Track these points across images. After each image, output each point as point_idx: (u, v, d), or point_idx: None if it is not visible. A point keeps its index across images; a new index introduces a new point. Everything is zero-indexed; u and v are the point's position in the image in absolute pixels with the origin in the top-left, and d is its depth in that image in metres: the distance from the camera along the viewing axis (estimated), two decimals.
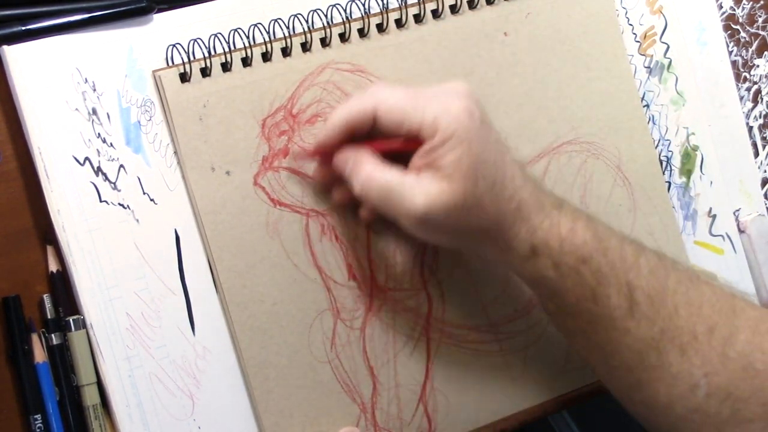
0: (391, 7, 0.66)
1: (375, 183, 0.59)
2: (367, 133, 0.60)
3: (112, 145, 0.60)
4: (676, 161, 0.76)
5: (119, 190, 0.61)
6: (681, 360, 0.59)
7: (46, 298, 0.60)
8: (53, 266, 0.60)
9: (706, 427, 0.59)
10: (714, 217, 0.77)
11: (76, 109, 0.60)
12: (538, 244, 0.59)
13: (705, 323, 0.59)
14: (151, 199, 0.61)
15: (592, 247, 0.59)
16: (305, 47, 0.64)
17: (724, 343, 0.59)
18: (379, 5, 0.66)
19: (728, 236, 0.77)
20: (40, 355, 0.60)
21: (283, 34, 0.64)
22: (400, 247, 0.66)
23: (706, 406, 0.59)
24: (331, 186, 0.64)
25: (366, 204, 0.62)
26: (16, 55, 0.58)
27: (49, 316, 0.60)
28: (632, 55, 0.74)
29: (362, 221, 0.65)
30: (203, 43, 0.62)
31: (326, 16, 0.65)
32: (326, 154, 0.62)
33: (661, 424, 0.61)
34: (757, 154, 0.79)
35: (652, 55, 0.75)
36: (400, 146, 0.59)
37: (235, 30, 0.63)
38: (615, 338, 0.60)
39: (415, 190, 0.57)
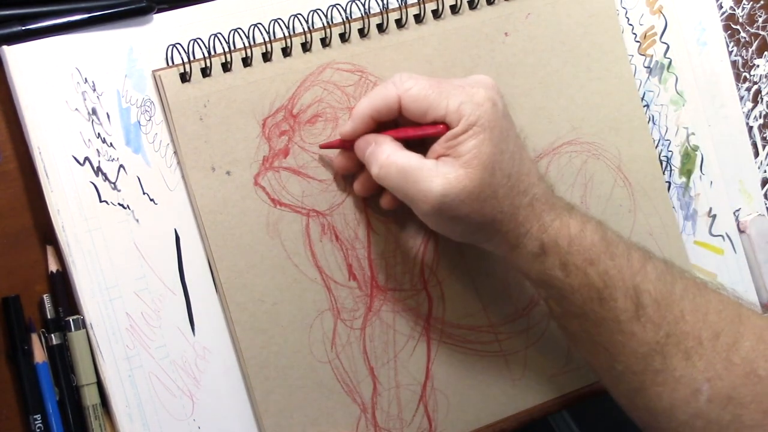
0: (391, 7, 0.66)
1: (394, 164, 0.59)
2: (392, 122, 0.61)
3: (112, 145, 0.60)
4: (676, 161, 0.76)
5: (119, 190, 0.61)
6: (685, 364, 0.59)
7: (46, 298, 0.60)
8: (53, 266, 0.60)
9: None
10: (714, 217, 0.76)
11: (76, 109, 0.60)
12: (547, 242, 0.59)
13: (710, 329, 0.59)
14: (151, 199, 0.61)
15: (600, 250, 0.59)
16: (305, 47, 0.64)
17: (729, 349, 0.59)
18: (379, 5, 0.66)
19: (728, 236, 0.77)
20: (40, 355, 0.60)
21: (284, 34, 0.64)
22: (401, 246, 0.66)
23: (708, 411, 0.59)
24: (352, 174, 0.64)
25: (385, 186, 0.61)
26: (16, 55, 0.58)
27: (49, 316, 0.60)
28: (632, 55, 0.74)
29: (385, 207, 0.64)
30: (203, 43, 0.62)
31: (326, 16, 0.64)
32: (350, 143, 0.62)
33: (664, 430, 0.61)
34: (757, 154, 0.79)
35: (652, 55, 0.75)
36: (421, 133, 0.60)
37: (235, 30, 0.63)
38: (620, 341, 0.60)
39: (433, 173, 0.58)
